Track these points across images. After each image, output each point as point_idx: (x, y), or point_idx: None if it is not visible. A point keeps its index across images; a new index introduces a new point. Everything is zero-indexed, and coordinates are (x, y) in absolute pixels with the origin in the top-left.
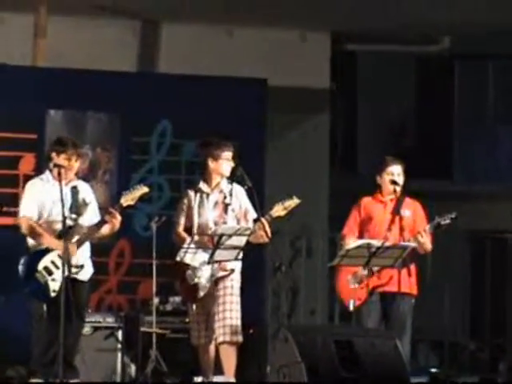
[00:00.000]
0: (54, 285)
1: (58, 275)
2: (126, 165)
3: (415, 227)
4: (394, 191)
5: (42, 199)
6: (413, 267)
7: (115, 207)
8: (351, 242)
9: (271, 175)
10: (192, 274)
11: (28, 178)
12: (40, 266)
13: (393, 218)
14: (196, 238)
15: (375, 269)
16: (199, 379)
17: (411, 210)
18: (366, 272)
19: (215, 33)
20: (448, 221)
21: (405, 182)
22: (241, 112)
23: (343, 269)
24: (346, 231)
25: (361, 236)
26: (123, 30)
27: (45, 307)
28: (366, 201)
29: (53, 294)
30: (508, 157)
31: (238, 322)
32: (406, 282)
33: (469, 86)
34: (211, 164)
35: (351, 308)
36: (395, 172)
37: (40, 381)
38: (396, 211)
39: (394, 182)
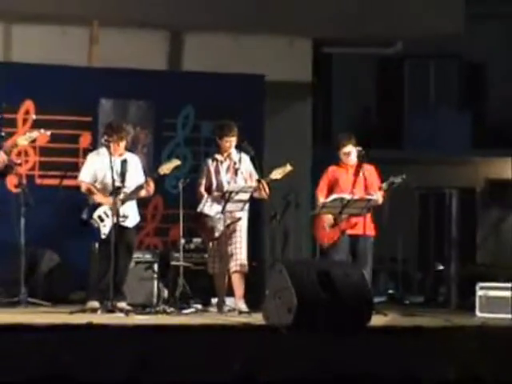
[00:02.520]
0: (104, 229)
1: (108, 222)
2: (159, 140)
3: (372, 184)
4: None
5: (96, 168)
6: (369, 215)
7: (154, 175)
8: (321, 199)
9: (269, 147)
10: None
11: (86, 150)
12: (95, 215)
13: (355, 179)
14: (215, 194)
15: (344, 216)
16: (215, 300)
17: (368, 172)
18: (338, 218)
19: (224, 39)
20: (399, 180)
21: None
22: (245, 100)
23: (320, 218)
24: (318, 191)
25: (329, 194)
26: (157, 38)
27: (97, 246)
28: (332, 168)
29: (103, 236)
30: (444, 132)
31: (245, 257)
32: (368, 225)
33: (416, 79)
34: (220, 142)
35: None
36: (348, 151)
37: (96, 303)
38: (356, 174)
39: (346, 158)
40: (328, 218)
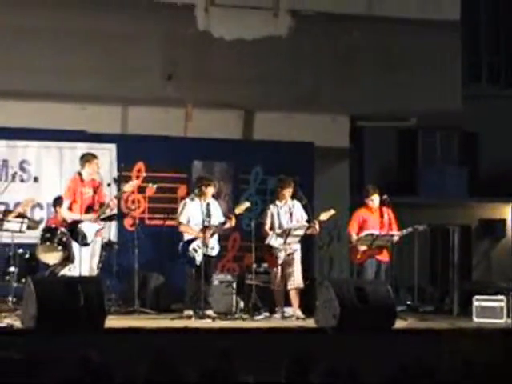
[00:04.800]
0: (198, 258)
1: (200, 253)
2: (236, 191)
3: (393, 224)
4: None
5: (190, 211)
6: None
7: (232, 214)
8: (353, 234)
9: (317, 196)
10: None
11: (182, 199)
12: (190, 247)
13: (381, 220)
14: (277, 231)
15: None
16: (278, 309)
17: (389, 214)
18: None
19: (284, 116)
20: (422, 228)
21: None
22: (299, 161)
23: (355, 247)
24: (350, 227)
25: (359, 230)
26: (234, 115)
27: (193, 270)
28: (362, 210)
29: (197, 263)
30: (448, 183)
31: (301, 277)
32: (385, 254)
33: (426, 144)
34: (280, 192)
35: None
36: (374, 198)
37: (190, 312)
38: (381, 215)
39: (372, 203)
40: (360, 247)
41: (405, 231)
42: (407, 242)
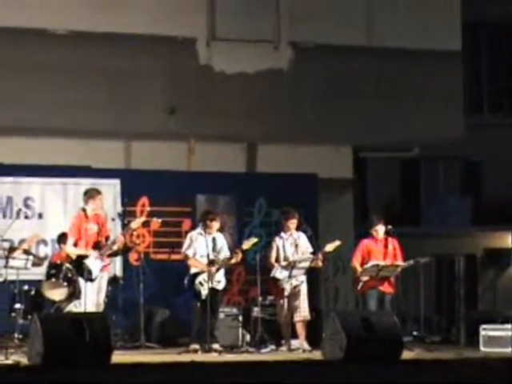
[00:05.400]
0: (204, 292)
1: (206, 286)
2: (241, 224)
3: (398, 254)
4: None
5: (196, 244)
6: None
7: (239, 249)
8: (357, 265)
9: (322, 227)
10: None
11: (187, 233)
12: (197, 281)
13: (385, 250)
14: (283, 263)
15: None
16: (284, 341)
17: (394, 244)
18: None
19: (287, 148)
20: (425, 260)
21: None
22: (303, 193)
23: (359, 278)
24: (354, 258)
25: (363, 261)
26: (237, 149)
27: (198, 304)
28: (366, 241)
29: (203, 297)
30: (451, 213)
31: (307, 309)
32: (389, 285)
33: (429, 173)
34: (285, 224)
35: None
36: (378, 229)
37: (197, 346)
38: (385, 246)
39: (376, 233)
40: (362, 279)
41: (406, 263)
42: (413, 272)
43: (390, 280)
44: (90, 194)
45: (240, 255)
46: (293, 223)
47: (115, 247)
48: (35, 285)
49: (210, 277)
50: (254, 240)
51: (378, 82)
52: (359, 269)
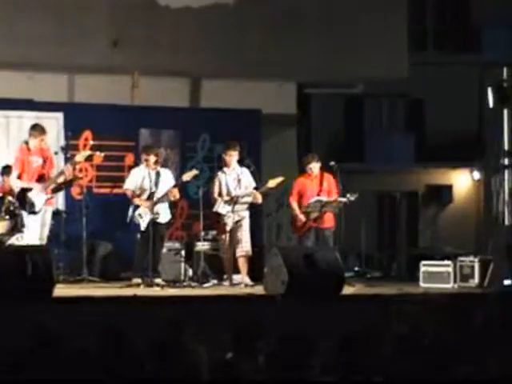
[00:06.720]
0: (143, 224)
1: (146, 219)
2: (184, 159)
3: (332, 190)
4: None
5: (138, 179)
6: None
7: (179, 182)
8: (294, 203)
9: (265, 163)
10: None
11: (130, 167)
12: (136, 213)
13: (320, 188)
14: (225, 198)
15: (312, 216)
16: (226, 276)
17: (328, 181)
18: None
19: (231, 84)
20: (353, 198)
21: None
22: (246, 128)
23: (296, 217)
24: (291, 199)
25: (300, 199)
26: (181, 83)
27: (138, 236)
28: (301, 179)
29: (142, 229)
30: (394, 150)
31: (249, 244)
32: (328, 221)
33: (373, 111)
34: (224, 157)
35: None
36: (312, 166)
37: (139, 280)
38: (320, 183)
39: (310, 171)
40: (300, 218)
41: (344, 199)
42: (354, 208)
43: (325, 216)
44: (31, 131)
45: (175, 194)
46: (231, 155)
47: (62, 179)
48: None
49: (150, 210)
50: (195, 172)
51: (323, 18)
52: (296, 207)
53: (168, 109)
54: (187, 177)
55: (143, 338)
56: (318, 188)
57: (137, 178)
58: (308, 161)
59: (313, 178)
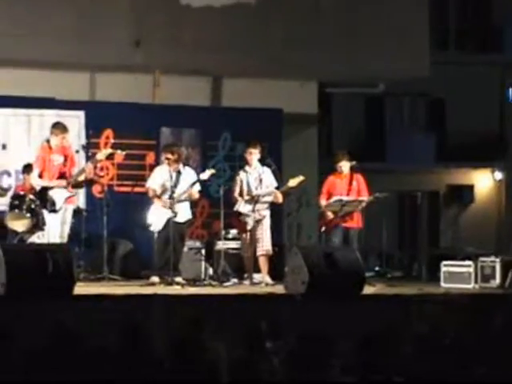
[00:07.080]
0: (159, 226)
1: (164, 218)
2: (205, 157)
3: (362, 190)
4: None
5: (160, 177)
6: (359, 212)
7: (196, 181)
8: (322, 201)
9: (286, 162)
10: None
11: (151, 166)
12: (154, 212)
13: (349, 187)
14: (246, 197)
15: (340, 214)
16: (247, 275)
17: (357, 180)
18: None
19: (253, 83)
20: (383, 196)
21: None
22: (268, 127)
23: (324, 214)
24: (320, 196)
25: (329, 197)
26: (203, 82)
27: (156, 235)
28: (331, 178)
29: (158, 230)
30: (415, 149)
31: (270, 243)
32: (356, 220)
33: (394, 110)
34: (246, 155)
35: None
36: (342, 165)
37: (158, 279)
38: (350, 183)
39: (340, 169)
40: (328, 215)
41: (367, 199)
42: (375, 208)
43: (354, 215)
44: (53, 130)
45: (195, 195)
46: (252, 153)
47: (83, 177)
48: None
49: (171, 210)
50: (212, 171)
51: (345, 18)
52: (324, 204)
53: (189, 107)
54: (204, 176)
55: (163, 337)
56: (347, 187)
57: (159, 177)
58: (338, 159)
59: (342, 176)
